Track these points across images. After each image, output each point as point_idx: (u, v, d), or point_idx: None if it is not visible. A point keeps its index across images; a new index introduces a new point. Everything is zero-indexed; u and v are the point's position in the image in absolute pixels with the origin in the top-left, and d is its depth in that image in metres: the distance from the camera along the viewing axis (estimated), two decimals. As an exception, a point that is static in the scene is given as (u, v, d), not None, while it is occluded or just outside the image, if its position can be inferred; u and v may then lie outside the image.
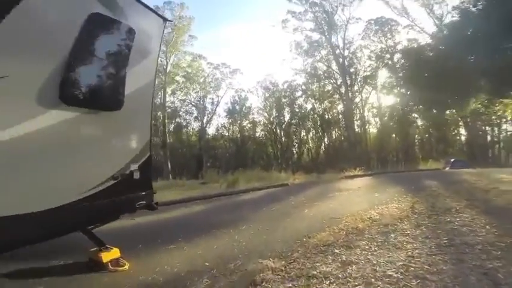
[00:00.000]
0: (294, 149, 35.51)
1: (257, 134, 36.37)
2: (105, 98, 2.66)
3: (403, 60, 21.18)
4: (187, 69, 32.17)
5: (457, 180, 8.24)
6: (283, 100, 34.51)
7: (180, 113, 34.57)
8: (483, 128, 27.24)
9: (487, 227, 3.32)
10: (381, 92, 31.33)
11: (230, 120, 36.02)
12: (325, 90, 33.47)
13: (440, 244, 2.92)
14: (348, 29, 30.16)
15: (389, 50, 29.29)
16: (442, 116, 24.99)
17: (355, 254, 2.86)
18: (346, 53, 30.81)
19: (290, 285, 2.31)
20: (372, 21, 29.24)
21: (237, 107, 35.53)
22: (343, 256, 2.83)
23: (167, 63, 29.40)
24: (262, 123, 36.07)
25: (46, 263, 3.00)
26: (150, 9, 3.52)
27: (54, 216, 2.24)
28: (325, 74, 32.60)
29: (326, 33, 30.28)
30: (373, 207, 5.15)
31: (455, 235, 3.16)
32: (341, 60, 30.56)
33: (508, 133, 26.45)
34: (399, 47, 28.07)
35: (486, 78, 7.00)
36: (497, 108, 9.61)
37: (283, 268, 2.65)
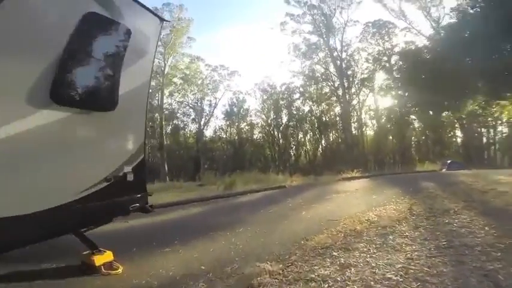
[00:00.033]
0: (291, 151, 35.58)
1: (255, 136, 36.42)
2: (98, 98, 2.61)
3: (401, 62, 21.33)
4: (185, 71, 32.16)
5: (454, 181, 8.25)
6: (281, 102, 34.60)
7: (178, 114, 34.55)
8: (479, 129, 27.49)
9: (486, 228, 3.29)
10: (378, 94, 31.58)
11: (228, 123, 36.04)
12: (323, 92, 33.64)
13: (440, 246, 2.88)
14: (345, 32, 30.51)
15: (387, 52, 29.56)
16: (438, 118, 25.17)
17: (354, 257, 2.81)
18: (343, 55, 31.09)
19: (288, 289, 2.26)
20: (370, 24, 29.57)
21: (235, 109, 35.55)
22: (342, 259, 2.78)
23: (165, 64, 29.37)
24: (260, 125, 36.16)
25: (38, 265, 2.93)
26: (147, 8, 3.48)
27: (44, 218, 2.17)
28: (323, 77, 32.77)
29: (324, 36, 30.50)
30: (371, 209, 5.12)
31: (454, 236, 3.12)
32: (339, 62, 30.77)
33: (503, 135, 26.70)
34: (396, 49, 28.35)
35: (483, 79, 7.05)
36: (494, 109, 9.68)
37: (280, 271, 2.60)
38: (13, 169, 2.05)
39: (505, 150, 26.48)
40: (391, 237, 3.37)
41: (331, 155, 31.36)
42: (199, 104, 34.60)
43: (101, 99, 2.64)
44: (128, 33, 2.95)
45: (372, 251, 2.95)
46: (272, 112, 34.86)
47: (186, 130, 35.89)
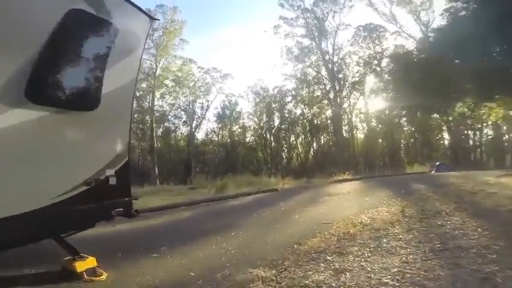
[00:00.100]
0: (283, 153, 35.65)
1: (247, 139, 36.30)
2: (78, 97, 2.47)
3: (392, 64, 21.71)
4: (177, 73, 31.84)
5: (444, 183, 8.35)
6: (274, 105, 34.70)
7: (169, 117, 34.14)
8: (465, 132, 28.23)
9: (479, 229, 3.28)
10: (369, 97, 32.06)
11: (220, 125, 35.83)
12: (315, 95, 33.93)
13: (435, 248, 2.84)
14: (337, 35, 30.90)
15: (377, 56, 30.08)
16: (427, 120, 25.71)
17: (348, 261, 2.74)
18: (335, 58, 31.48)
19: (281, 296, 2.16)
20: (361, 28, 30.05)
21: (227, 112, 35.43)
22: (336, 263, 2.70)
23: (157, 66, 29.04)
24: (252, 128, 36.12)
25: (16, 271, 2.77)
26: (136, 6, 3.37)
27: (18, 223, 2.01)
28: (315, 80, 33.08)
29: (316, 39, 30.85)
30: (363, 212, 5.10)
31: (448, 239, 3.10)
32: (330, 66, 31.12)
33: (489, 137, 27.53)
34: (386, 53, 28.88)
35: (473, 81, 7.20)
36: (483, 111, 9.93)
37: (274, 278, 2.50)
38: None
39: (491, 152, 27.29)
40: (385, 240, 3.32)
41: (323, 157, 31.58)
42: (191, 107, 34.31)
43: (81, 98, 2.50)
44: (115, 30, 2.85)
45: (366, 254, 2.88)
46: (264, 115, 34.90)
47: (178, 133, 35.53)
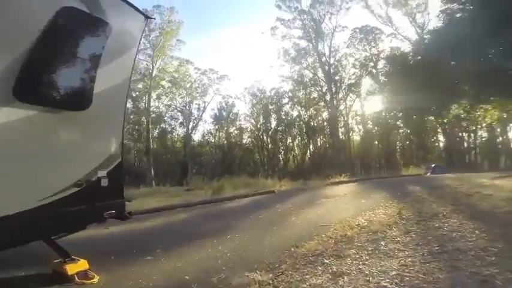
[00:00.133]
0: (280, 155, 35.59)
1: (244, 141, 36.20)
2: (69, 96, 2.41)
3: (388, 66, 21.83)
4: (173, 74, 31.66)
5: (440, 185, 8.39)
6: (270, 107, 34.66)
7: (165, 118, 33.88)
8: (460, 134, 28.50)
9: (476, 232, 3.28)
10: (365, 99, 32.22)
11: (216, 127, 35.68)
12: (311, 97, 33.97)
13: (433, 251, 2.82)
14: (334, 37, 30.94)
15: (373, 58, 30.26)
16: (422, 122, 25.91)
17: (346, 264, 2.70)
18: (332, 60, 31.51)
19: (278, 300, 2.11)
20: (357, 30, 30.17)
21: (224, 113, 35.30)
22: (334, 267, 2.66)
23: (153, 67, 28.84)
24: (249, 129, 36.00)
25: (6, 273, 2.71)
26: (132, 5, 3.33)
27: (5, 225, 1.94)
28: (311, 82, 33.11)
29: (313, 41, 30.91)
30: (360, 214, 5.08)
31: (446, 241, 3.08)
32: (327, 67, 31.19)
33: (483, 139, 27.83)
34: (382, 55, 29.05)
35: (469, 83, 7.26)
36: (478, 113, 10.03)
37: (270, 281, 2.46)
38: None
39: (485, 154, 27.58)
40: (382, 242, 3.29)
41: (319, 159, 31.61)
42: (187, 108, 34.13)
43: (72, 97, 2.44)
44: (108, 29, 2.80)
45: (364, 257, 2.85)
46: (261, 117, 34.84)
47: (174, 134, 35.26)
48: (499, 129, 25.73)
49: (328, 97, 31.82)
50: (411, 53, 15.35)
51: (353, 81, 31.57)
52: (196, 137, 35.71)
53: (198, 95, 34.12)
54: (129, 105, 29.66)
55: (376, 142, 32.98)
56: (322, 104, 33.21)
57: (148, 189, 16.41)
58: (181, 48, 30.75)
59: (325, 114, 33.60)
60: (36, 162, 2.17)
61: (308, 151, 34.95)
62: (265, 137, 34.94)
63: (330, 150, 32.33)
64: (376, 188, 9.25)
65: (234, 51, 55.09)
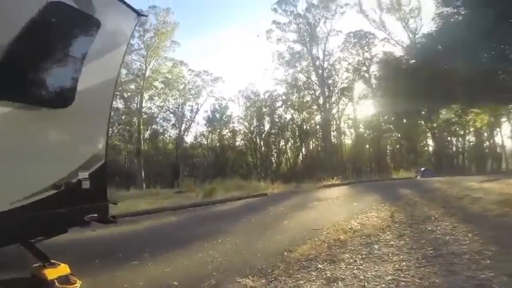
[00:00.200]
0: (273, 158, 35.59)
1: (237, 143, 36.06)
2: (49, 93, 2.28)
3: (381, 70, 22.14)
4: (167, 75, 31.36)
5: (430, 188, 8.48)
6: (264, 110, 34.70)
7: (157, 119, 33.45)
8: (449, 138, 29.13)
9: (470, 235, 3.27)
10: (357, 103, 32.62)
11: (209, 129, 35.44)
12: (304, 101, 34.18)
13: (427, 255, 2.78)
14: (328, 41, 31.31)
15: (366, 62, 30.70)
16: (413, 126, 26.36)
17: (340, 269, 2.63)
18: (325, 64, 31.85)
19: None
20: (351, 34, 30.61)
21: (217, 116, 35.12)
22: (328, 272, 2.59)
23: (146, 67, 28.51)
24: (242, 132, 35.90)
25: None
26: (123, 1, 3.21)
27: None
28: (305, 85, 33.35)
29: (308, 45, 31.20)
30: (353, 217, 5.05)
31: (440, 245, 3.05)
32: (320, 71, 31.48)
33: (471, 144, 28.52)
34: (375, 59, 29.50)
35: (462, 87, 7.39)
36: (469, 118, 10.26)
37: (263, 287, 2.36)
38: None
39: (472, 158, 28.24)
40: (376, 246, 3.25)
41: (312, 162, 31.73)
42: (180, 109, 33.81)
43: (52, 94, 2.31)
44: (97, 25, 2.69)
45: (358, 262, 2.79)
46: (255, 119, 34.81)
47: (166, 135, 34.85)
48: (486, 134, 26.44)
49: (321, 101, 32.10)
50: (404, 57, 15.66)
51: (346, 85, 31.98)
52: (189, 138, 35.46)
53: (191, 96, 33.91)
54: (120, 105, 29.27)
55: (368, 146, 33.37)
56: (315, 107, 33.45)
57: (138, 191, 16.13)
58: (175, 50, 30.66)
59: (317, 118, 33.91)
60: (9, 162, 2.02)
61: (300, 154, 35.09)
62: (258, 140, 34.92)
63: (322, 154, 32.52)
64: (367, 191, 9.28)
65: (229, 53, 55.17)
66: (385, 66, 20.19)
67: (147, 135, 32.53)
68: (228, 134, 36.12)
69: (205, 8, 49.69)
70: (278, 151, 35.45)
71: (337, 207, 6.55)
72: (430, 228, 3.82)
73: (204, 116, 35.27)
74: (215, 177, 19.02)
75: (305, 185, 14.63)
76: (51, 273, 2.43)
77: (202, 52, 53.58)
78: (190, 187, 14.19)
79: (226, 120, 35.64)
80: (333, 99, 32.73)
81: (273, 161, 35.46)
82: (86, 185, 2.46)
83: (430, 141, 30.89)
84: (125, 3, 3.30)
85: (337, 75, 32.31)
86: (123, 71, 27.64)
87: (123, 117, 29.76)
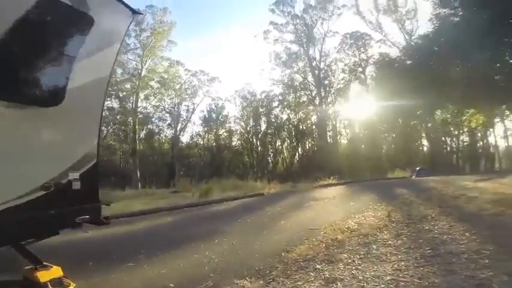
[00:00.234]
0: (269, 158, 35.58)
1: (233, 143, 36.00)
2: (38, 91, 2.21)
3: (376, 71, 22.29)
4: (163, 74, 31.13)
5: (426, 187, 8.52)
6: (261, 110, 34.66)
7: (153, 119, 33.21)
8: (443, 138, 29.44)
9: (467, 234, 3.27)
10: (353, 104, 32.75)
11: (205, 129, 35.31)
12: (301, 101, 34.24)
13: (425, 254, 2.77)
14: (325, 42, 31.40)
15: (362, 63, 30.88)
16: (408, 126, 26.60)
17: (339, 269, 2.61)
18: (322, 65, 31.97)
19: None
20: (348, 35, 30.74)
21: (214, 116, 35.00)
22: (326, 272, 2.56)
23: (142, 67, 28.26)
24: (238, 132, 35.83)
25: None
26: None
27: None
28: (301, 86, 33.43)
29: (304, 46, 31.29)
30: (350, 217, 5.04)
31: (438, 244, 3.05)
32: (317, 72, 31.59)
33: (465, 143, 28.88)
34: (371, 61, 29.68)
35: (457, 88, 7.46)
36: (464, 118, 10.35)
37: (260, 289, 2.32)
38: None
39: (466, 158, 28.59)
40: (374, 246, 3.23)
41: (308, 162, 31.81)
42: (176, 109, 33.61)
43: (41, 92, 2.24)
44: (90, 22, 2.62)
45: (356, 262, 2.77)
46: (251, 119, 34.77)
47: (162, 135, 34.63)
48: (479, 134, 26.79)
49: (317, 101, 32.19)
50: (400, 58, 15.77)
51: (342, 85, 32.10)
52: (185, 138, 35.28)
53: (187, 96, 33.73)
54: (115, 105, 29.01)
55: (363, 146, 33.56)
56: (311, 107, 33.55)
57: (133, 191, 15.96)
58: (172, 49, 30.49)
59: (314, 118, 33.98)
60: None
61: (297, 154, 35.15)
62: (254, 140, 34.89)
63: (318, 153, 32.59)
64: (364, 191, 9.29)
65: (227, 53, 54.92)
66: (381, 66, 20.36)
67: (142, 135, 32.28)
68: (225, 134, 36.05)
69: (202, 8, 49.56)
70: (274, 151, 35.48)
71: (333, 207, 6.54)
72: (427, 227, 3.82)
73: (200, 115, 35.21)
74: (211, 177, 18.93)
75: (301, 184, 14.63)
76: (43, 276, 2.36)
77: (202, 52, 53.34)
78: (186, 187, 14.08)
79: (222, 120, 35.57)
80: (329, 99, 32.88)
81: (270, 160, 35.47)
82: (77, 185, 2.39)
83: (425, 141, 31.22)
84: (120, 0, 3.24)
85: (334, 76, 32.48)
86: (119, 71, 27.45)
87: (118, 117, 29.48)
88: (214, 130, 35.52)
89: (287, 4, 30.68)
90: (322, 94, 31.82)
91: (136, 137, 28.83)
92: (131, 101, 29.35)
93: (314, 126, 34.07)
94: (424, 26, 23.15)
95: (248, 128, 35.01)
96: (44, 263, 2.46)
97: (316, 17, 30.65)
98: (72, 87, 2.39)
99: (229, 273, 2.74)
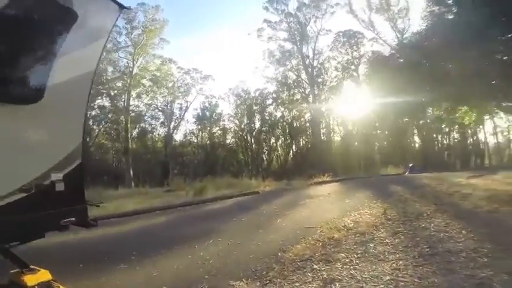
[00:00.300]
0: (264, 155, 35.56)
1: (227, 141, 35.82)
2: (14, 87, 2.09)
3: (369, 68, 22.42)
4: (155, 72, 30.65)
5: (420, 184, 8.59)
6: (254, 107, 34.55)
7: (145, 117, 32.70)
8: (434, 135, 29.88)
9: (463, 231, 3.26)
10: (346, 101, 32.93)
11: (199, 127, 35.01)
12: (295, 98, 34.27)
13: (423, 253, 2.74)
14: (318, 40, 31.43)
15: (355, 61, 31.07)
16: (400, 124, 26.88)
17: (337, 269, 2.56)
18: (315, 63, 32.00)
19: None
20: (341, 34, 30.88)
21: (207, 113, 34.72)
22: (324, 272, 2.51)
23: (133, 65, 27.75)
24: (232, 130, 35.68)
25: None
26: None
27: None
28: (295, 83, 33.44)
29: (298, 44, 31.27)
30: (346, 215, 5.02)
31: (435, 242, 3.03)
32: (310, 70, 31.64)
33: (456, 140, 29.37)
34: (363, 59, 29.88)
35: (451, 85, 7.47)
36: (457, 115, 10.46)
37: (257, 291, 2.25)
38: None
39: (457, 154, 29.09)
40: (371, 245, 3.20)
41: (302, 159, 31.91)
42: (169, 107, 33.15)
43: (18, 89, 2.11)
44: (73, 17, 2.48)
45: (354, 261, 2.72)
46: (245, 117, 34.65)
47: (154, 134, 34.16)
48: (469, 131, 27.26)
49: (310, 99, 32.27)
50: (392, 56, 15.83)
51: (335, 83, 32.26)
52: (178, 137, 34.84)
53: (180, 94, 33.28)
54: (106, 103, 28.46)
55: (356, 143, 33.84)
56: (305, 105, 33.62)
57: (126, 191, 15.70)
58: (164, 47, 29.85)
59: (307, 116, 34.07)
60: None
61: (291, 151, 35.22)
62: (249, 137, 34.77)
63: (312, 151, 32.72)
64: (358, 188, 9.32)
65: (221, 51, 54.33)
66: (373, 64, 20.49)
67: (135, 133, 31.79)
68: (219, 131, 35.83)
69: (195, 5, 48.85)
70: (269, 148, 35.46)
71: (329, 205, 6.52)
72: (423, 225, 3.81)
73: (193, 114, 34.77)
74: (205, 175, 18.78)
75: (296, 182, 14.63)
76: (30, 280, 2.24)
77: (195, 50, 52.46)
78: (180, 186, 13.93)
79: (216, 118, 35.28)
80: (323, 97, 33.00)
81: (264, 158, 35.45)
82: (61, 187, 2.26)
83: (417, 138, 31.65)
84: (107, -6, 3.09)
85: (327, 73, 32.60)
86: (110, 69, 26.93)
87: (109, 116, 28.96)
88: (208, 128, 35.25)
89: (281, 2, 30.60)
90: (316, 92, 31.93)
91: (129, 136, 28.38)
92: (123, 100, 28.80)
93: (308, 124, 34.17)
94: (415, 24, 23.34)
95: (242, 126, 34.87)
96: (31, 267, 2.35)
97: (309, 15, 30.67)
98: (53, 83, 2.26)
99: (225, 275, 2.67)
